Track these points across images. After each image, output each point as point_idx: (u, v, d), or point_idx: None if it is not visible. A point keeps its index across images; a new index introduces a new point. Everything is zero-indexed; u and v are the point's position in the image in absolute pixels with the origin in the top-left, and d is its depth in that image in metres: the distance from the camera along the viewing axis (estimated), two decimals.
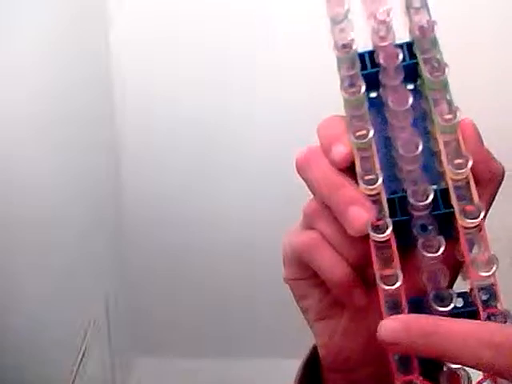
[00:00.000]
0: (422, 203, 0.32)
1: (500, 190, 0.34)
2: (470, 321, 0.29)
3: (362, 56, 0.34)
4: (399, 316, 0.30)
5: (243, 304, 1.37)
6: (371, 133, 0.33)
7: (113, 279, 1.34)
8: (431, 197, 0.32)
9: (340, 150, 0.34)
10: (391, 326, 0.29)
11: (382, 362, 0.33)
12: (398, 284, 0.31)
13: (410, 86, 0.35)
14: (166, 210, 1.38)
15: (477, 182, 0.32)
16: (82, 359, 1.05)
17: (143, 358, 1.46)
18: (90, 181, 1.17)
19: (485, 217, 0.33)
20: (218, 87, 1.27)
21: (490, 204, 0.34)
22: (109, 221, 1.32)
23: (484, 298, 0.31)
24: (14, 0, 0.85)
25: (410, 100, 0.33)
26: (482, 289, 0.31)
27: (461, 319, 0.29)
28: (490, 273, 0.30)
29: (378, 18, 0.34)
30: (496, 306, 0.31)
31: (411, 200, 0.32)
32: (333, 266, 0.34)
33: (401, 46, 0.34)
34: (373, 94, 0.35)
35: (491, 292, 0.31)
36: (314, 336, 0.39)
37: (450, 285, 0.33)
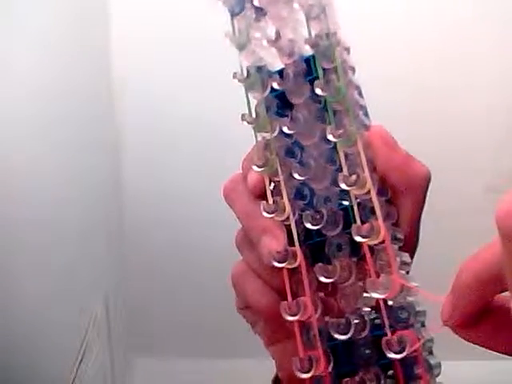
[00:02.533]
0: (316, 227, 0.31)
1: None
2: None
3: (272, 76, 0.33)
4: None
5: None
6: (271, 160, 0.32)
7: (113, 279, 1.34)
8: (325, 219, 0.31)
9: (252, 177, 0.34)
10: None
11: None
12: (298, 315, 0.31)
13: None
14: (166, 210, 1.38)
15: (394, 191, 0.31)
16: (82, 359, 1.05)
17: (143, 358, 1.46)
18: (90, 181, 1.17)
19: (417, 225, 0.32)
20: (219, 86, 1.26)
21: (420, 209, 0.32)
22: (109, 221, 1.32)
23: (397, 317, 0.30)
24: (16, 1, 0.85)
25: (302, 120, 0.31)
26: (393, 309, 0.30)
27: None
28: (382, 296, 0.29)
29: (269, 40, 0.32)
30: (405, 327, 0.29)
31: (306, 224, 0.31)
32: (257, 294, 0.34)
33: (308, 59, 0.32)
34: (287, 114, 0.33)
35: (402, 313, 0.30)
36: (272, 359, 0.39)
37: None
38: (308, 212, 0.31)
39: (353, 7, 1.09)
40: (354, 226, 0.30)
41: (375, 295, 0.29)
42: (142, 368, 1.45)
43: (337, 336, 0.30)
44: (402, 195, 0.31)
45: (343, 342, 0.31)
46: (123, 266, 1.40)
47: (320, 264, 0.31)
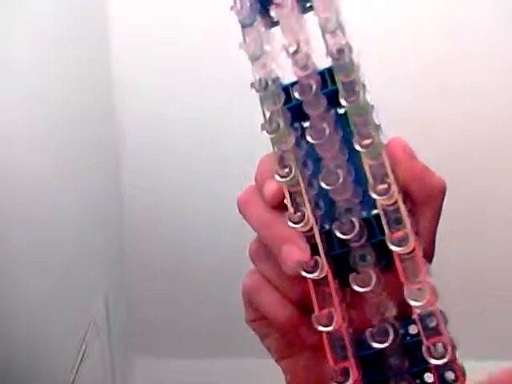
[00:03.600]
0: (346, 237, 0.31)
1: None
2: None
3: (286, 88, 0.33)
4: None
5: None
6: (294, 170, 0.32)
7: (113, 279, 1.34)
8: (357, 229, 0.31)
9: (270, 187, 0.33)
10: None
11: None
12: (331, 326, 0.30)
13: (341, 111, 0.33)
14: (166, 210, 1.38)
15: (413, 202, 0.31)
16: (81, 359, 1.05)
17: (143, 358, 1.46)
18: (90, 181, 1.17)
19: (434, 236, 0.32)
20: (218, 87, 1.26)
21: (437, 220, 0.33)
22: (109, 221, 1.32)
23: (429, 325, 0.30)
24: (15, 1, 0.85)
25: (327, 132, 0.31)
26: (423, 317, 0.30)
27: None
28: (420, 303, 0.29)
29: (289, 51, 0.32)
30: (439, 334, 0.29)
31: (338, 234, 0.31)
32: (274, 306, 0.34)
33: (322, 72, 0.33)
34: (307, 124, 0.34)
35: (432, 320, 0.29)
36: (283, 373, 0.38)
37: (403, 312, 0.31)
38: (338, 222, 0.31)
39: (353, 12, 1.09)
40: (387, 234, 0.30)
41: (414, 303, 0.29)
42: (142, 368, 1.45)
43: (375, 345, 0.30)
44: (421, 206, 0.32)
45: (373, 352, 0.31)
46: (123, 266, 1.40)
47: (354, 273, 0.31)
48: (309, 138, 0.32)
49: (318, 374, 0.35)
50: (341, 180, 0.31)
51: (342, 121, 0.32)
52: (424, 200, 0.32)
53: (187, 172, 1.36)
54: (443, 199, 0.33)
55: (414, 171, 0.31)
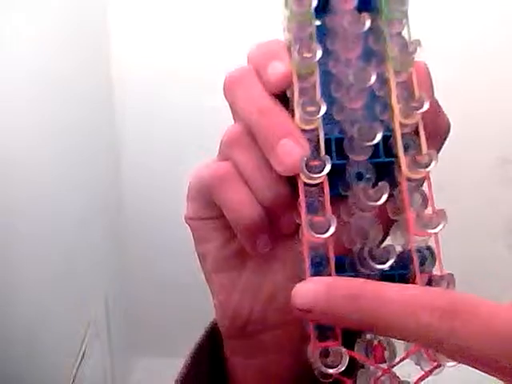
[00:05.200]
0: (368, 143, 0.27)
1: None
2: (407, 285, 0.25)
3: None
4: (319, 278, 0.25)
5: None
6: (319, 53, 0.28)
7: (112, 279, 1.34)
8: (379, 136, 0.27)
9: (277, 68, 0.28)
10: (310, 291, 0.24)
11: (286, 325, 0.29)
12: (331, 231, 0.26)
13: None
14: (166, 211, 1.38)
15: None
16: (81, 359, 1.05)
17: (143, 358, 1.46)
18: (90, 180, 1.17)
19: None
20: (218, 92, 1.26)
21: None
22: (109, 220, 1.32)
23: (422, 260, 0.27)
24: (16, 9, 0.85)
25: (368, 23, 0.28)
26: (419, 250, 0.27)
27: (396, 284, 0.24)
28: (438, 229, 0.26)
29: None
30: (435, 270, 0.27)
31: (356, 137, 0.27)
32: (242, 204, 0.29)
33: None
34: (316, 22, 0.30)
35: (431, 254, 0.27)
36: (211, 293, 0.34)
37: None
38: (361, 125, 0.28)
39: None
40: (401, 155, 0.28)
41: (431, 230, 0.26)
42: (142, 368, 1.45)
43: (377, 266, 0.26)
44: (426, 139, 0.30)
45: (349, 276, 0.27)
46: (123, 266, 1.40)
47: (362, 185, 0.27)
48: (346, 25, 0.28)
49: (257, 294, 0.32)
50: (373, 78, 0.28)
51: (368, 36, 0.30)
52: (432, 135, 0.29)
53: (188, 171, 1.36)
54: (446, 139, 0.31)
55: (431, 102, 0.29)
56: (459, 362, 0.23)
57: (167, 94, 1.31)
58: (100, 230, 1.23)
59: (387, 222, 0.28)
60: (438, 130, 0.30)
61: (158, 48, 1.29)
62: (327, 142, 0.28)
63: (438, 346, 0.23)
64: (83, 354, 1.06)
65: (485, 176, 1.33)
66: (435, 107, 0.29)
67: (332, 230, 0.26)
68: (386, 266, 0.26)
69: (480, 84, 1.27)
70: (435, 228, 0.26)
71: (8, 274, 0.81)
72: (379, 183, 0.27)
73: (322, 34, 0.30)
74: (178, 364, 0.38)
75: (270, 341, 0.33)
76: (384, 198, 0.27)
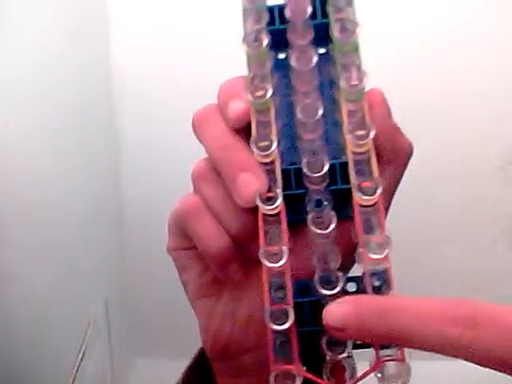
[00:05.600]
0: (316, 175, 0.29)
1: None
2: (425, 298, 0.26)
3: (271, 10, 0.31)
4: (346, 298, 0.26)
5: None
6: (269, 93, 0.30)
7: (112, 280, 1.34)
8: (326, 168, 0.29)
9: (236, 107, 0.30)
10: (339, 311, 0.26)
11: (263, 347, 0.29)
12: (281, 262, 0.28)
13: (322, 50, 0.32)
14: (167, 211, 1.38)
15: (379, 158, 0.30)
16: (81, 359, 1.05)
17: (143, 358, 1.46)
18: (90, 180, 1.17)
19: (391, 197, 0.31)
20: (218, 87, 1.27)
21: (398, 182, 0.32)
22: (109, 222, 1.32)
23: (376, 283, 0.28)
24: (15, 5, 0.85)
25: (315, 59, 0.30)
26: (374, 274, 0.28)
27: (412, 297, 0.25)
28: (383, 255, 0.27)
29: None
30: (388, 293, 0.27)
31: (305, 170, 0.29)
32: (211, 236, 0.31)
33: (314, 2, 0.31)
34: (281, 55, 0.32)
35: (384, 278, 0.28)
36: (197, 317, 0.36)
37: (346, 269, 0.30)
38: (307, 159, 0.29)
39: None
40: (354, 182, 0.29)
41: (375, 256, 0.27)
42: (141, 368, 1.45)
43: (324, 291, 0.28)
44: (386, 164, 0.31)
45: (309, 301, 0.29)
46: (123, 266, 1.40)
47: (313, 214, 0.29)
48: (294, 63, 0.30)
49: (235, 318, 0.34)
50: (320, 114, 0.29)
51: (322, 64, 0.31)
52: (390, 159, 0.31)
53: (188, 172, 1.36)
54: (408, 162, 0.32)
55: (386, 129, 0.30)
56: (486, 367, 0.24)
57: (167, 93, 1.31)
58: (100, 231, 1.23)
59: (352, 245, 0.29)
60: (397, 154, 0.31)
61: (158, 48, 1.29)
62: (287, 172, 0.30)
63: (462, 354, 0.24)
64: (83, 354, 1.06)
65: (486, 176, 1.33)
66: (392, 132, 0.31)
67: (283, 261, 0.28)
68: (332, 293, 0.28)
69: (480, 84, 1.27)
70: (380, 254, 0.27)
71: (8, 274, 0.81)
72: (324, 212, 0.29)
73: (287, 66, 0.31)
74: (177, 364, 0.39)
75: (252, 363, 0.34)
76: (332, 226, 0.28)
